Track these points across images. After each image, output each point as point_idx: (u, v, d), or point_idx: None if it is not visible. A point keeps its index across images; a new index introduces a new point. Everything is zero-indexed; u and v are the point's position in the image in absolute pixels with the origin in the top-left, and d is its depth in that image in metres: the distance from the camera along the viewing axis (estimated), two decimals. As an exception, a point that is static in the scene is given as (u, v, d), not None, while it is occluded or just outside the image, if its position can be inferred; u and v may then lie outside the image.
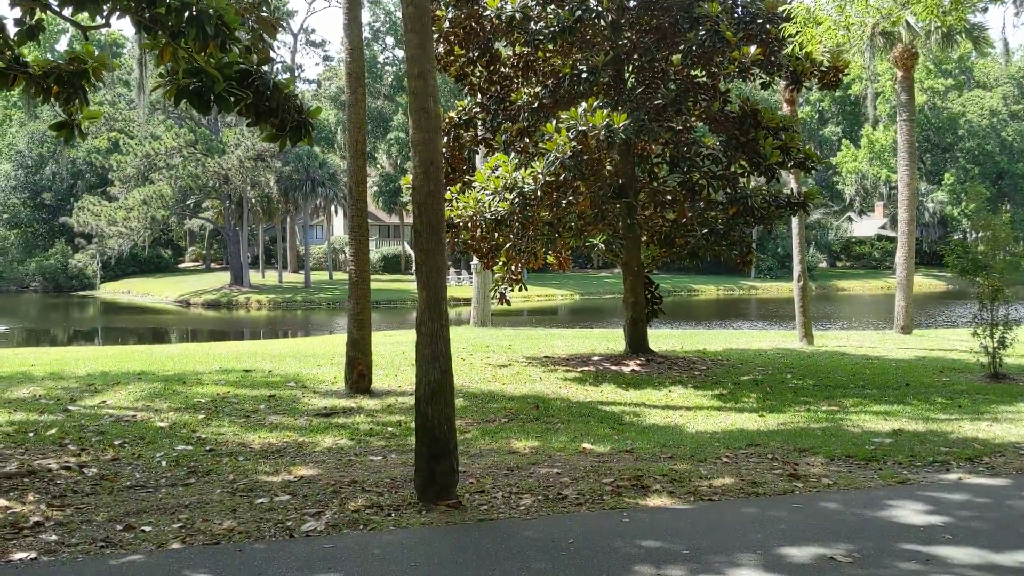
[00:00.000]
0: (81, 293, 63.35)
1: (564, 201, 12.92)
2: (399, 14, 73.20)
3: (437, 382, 6.41)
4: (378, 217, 73.38)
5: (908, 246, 21.24)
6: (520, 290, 14.94)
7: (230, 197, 54.54)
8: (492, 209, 12.54)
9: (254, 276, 59.47)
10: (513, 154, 13.35)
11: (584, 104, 12.16)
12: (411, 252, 71.14)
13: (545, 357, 15.57)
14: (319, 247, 70.70)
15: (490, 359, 15.21)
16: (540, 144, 12.84)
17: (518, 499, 6.45)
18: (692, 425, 9.91)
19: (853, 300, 57.60)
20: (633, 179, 14.51)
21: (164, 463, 7.89)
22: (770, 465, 7.54)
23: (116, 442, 8.76)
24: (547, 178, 12.39)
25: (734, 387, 12.29)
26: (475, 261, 24.63)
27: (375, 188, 66.67)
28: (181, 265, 75.59)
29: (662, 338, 19.41)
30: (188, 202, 58.33)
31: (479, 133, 15.16)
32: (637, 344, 14.78)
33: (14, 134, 73.76)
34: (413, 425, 9.73)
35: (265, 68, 7.33)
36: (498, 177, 12.91)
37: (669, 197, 14.38)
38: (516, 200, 12.39)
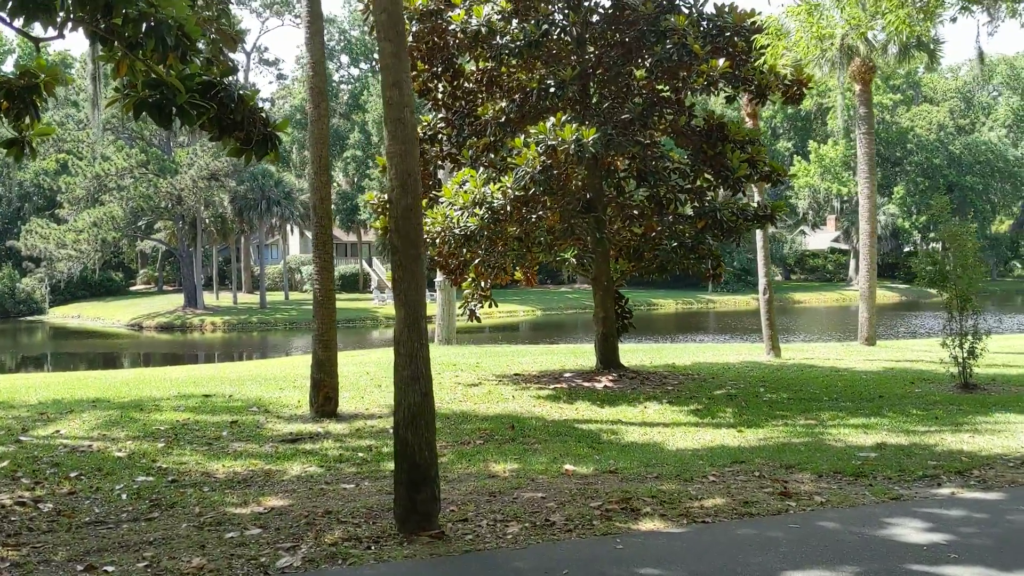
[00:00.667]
0: (29, 318, 61.73)
1: (534, 216, 12.70)
2: (354, 33, 72.99)
3: (417, 405, 6.10)
4: (336, 236, 72.68)
5: (870, 258, 21.35)
6: (489, 306, 14.67)
7: (183, 217, 53.59)
8: (461, 224, 12.26)
9: (208, 297, 58.46)
10: (481, 169, 13.10)
11: (552, 119, 11.96)
12: (369, 271, 70.56)
13: (515, 375, 15.29)
14: (274, 267, 69.78)
15: (459, 378, 14.89)
16: (509, 159, 12.62)
17: (504, 527, 6.16)
18: (672, 442, 9.69)
19: (810, 312, 58.13)
20: (601, 193, 14.35)
21: (124, 496, 7.46)
22: (759, 483, 7.33)
23: (72, 474, 8.30)
24: (516, 193, 12.16)
25: (709, 402, 12.12)
26: (439, 278, 24.36)
27: (332, 206, 66.07)
28: (133, 288, 74.11)
29: (630, 353, 19.23)
30: (140, 223, 57.24)
31: (444, 148, 14.91)
32: (608, 359, 14.57)
33: (-42, 156, 72.03)
34: (385, 450, 9.43)
35: (228, 80, 7.00)
36: (466, 192, 12.65)
37: (636, 211, 14.23)
38: (486, 215, 12.13)
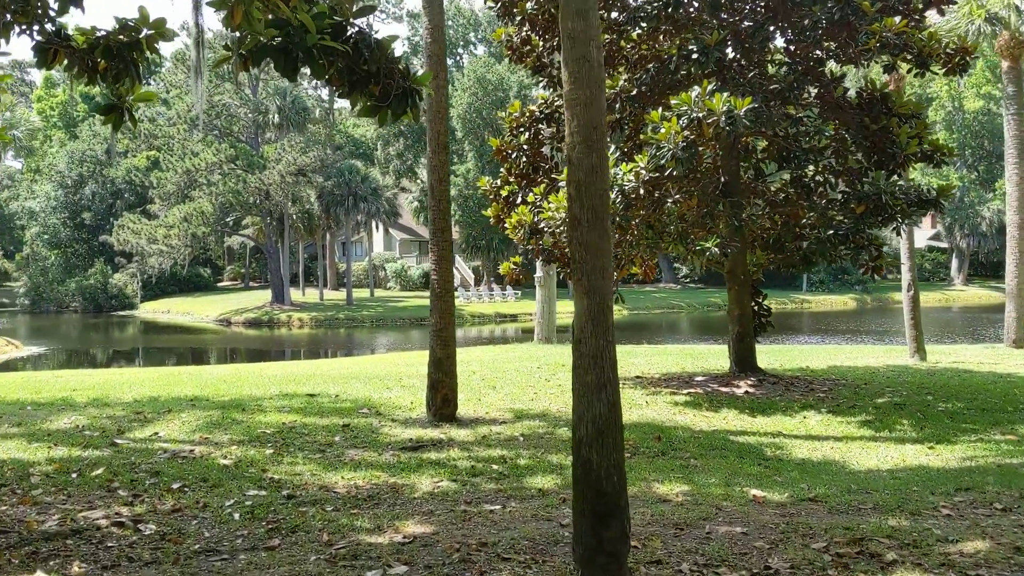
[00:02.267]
0: (121, 313, 62.61)
1: (669, 200, 11.34)
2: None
3: (604, 418, 4.84)
4: (419, 233, 72.21)
5: (1019, 251, 19.37)
6: (616, 302, 13.33)
7: (271, 213, 53.46)
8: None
9: (294, 294, 58.33)
10: (614, 147, 11.76)
11: (697, 88, 10.59)
12: (453, 268, 69.85)
13: (637, 377, 13.96)
14: (359, 264, 69.55)
15: (577, 380, 13.62)
16: (642, 136, 11.30)
17: (713, 574, 4.86)
18: (854, 460, 8.26)
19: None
20: (738, 176, 12.91)
21: (237, 515, 6.38)
22: (1013, 520, 5.87)
23: (175, 485, 7.29)
24: (650, 174, 10.83)
25: (876, 412, 10.60)
26: (539, 273, 23.14)
27: (416, 203, 65.48)
28: (220, 284, 74.82)
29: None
30: (228, 219, 57.43)
31: (563, 129, 13.64)
32: (744, 362, 13.12)
33: (54, 154, 73.65)
34: (521, 462, 8.22)
35: (362, 23, 5.84)
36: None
37: (782, 195, 12.75)
38: (618, 200, 10.82)
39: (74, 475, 7.70)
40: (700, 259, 11.36)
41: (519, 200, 13.39)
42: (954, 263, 75.29)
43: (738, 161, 12.98)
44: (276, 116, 52.51)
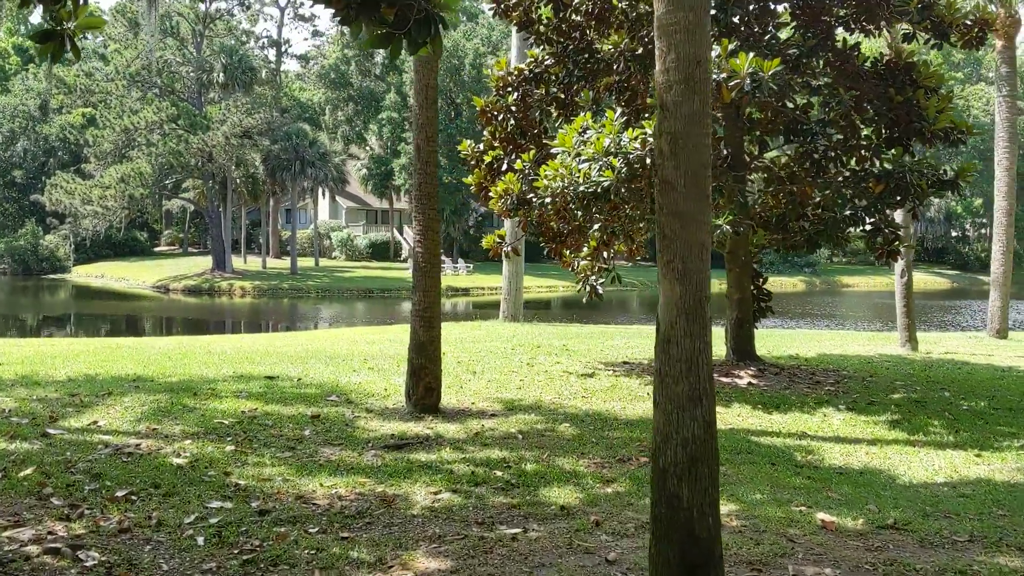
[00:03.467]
0: (52, 276, 59.89)
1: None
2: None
3: (698, 442, 3.76)
4: (366, 201, 70.39)
5: (1007, 238, 18.76)
6: (613, 281, 12.23)
7: (213, 176, 51.30)
8: (590, 179, 9.84)
9: (236, 261, 56.27)
10: (619, 112, 10.57)
11: (717, 48, 9.49)
12: (400, 239, 68.22)
13: (624, 363, 12.95)
14: (303, 232, 67.53)
15: (561, 365, 12.56)
16: (648, 100, 10.22)
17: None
18: (900, 470, 7.33)
19: (864, 297, 55.17)
20: (741, 148, 11.90)
21: (200, 540, 5.17)
22: None
23: (120, 492, 6.05)
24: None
25: (898, 411, 9.70)
26: (507, 247, 21.92)
27: (364, 171, 63.65)
28: (157, 249, 72.16)
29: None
30: (167, 182, 55.02)
31: (551, 91, 12.47)
32: (743, 350, 12.17)
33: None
34: (528, 468, 7.11)
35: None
36: (589, 141, 10.25)
37: (788, 172, 11.75)
38: (622, 169, 9.70)
39: (-4, 476, 6.41)
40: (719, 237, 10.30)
41: (504, 167, 12.20)
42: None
43: (742, 133, 11.96)
44: (221, 75, 50.27)
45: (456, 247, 64.02)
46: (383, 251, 66.49)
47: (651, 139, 9.75)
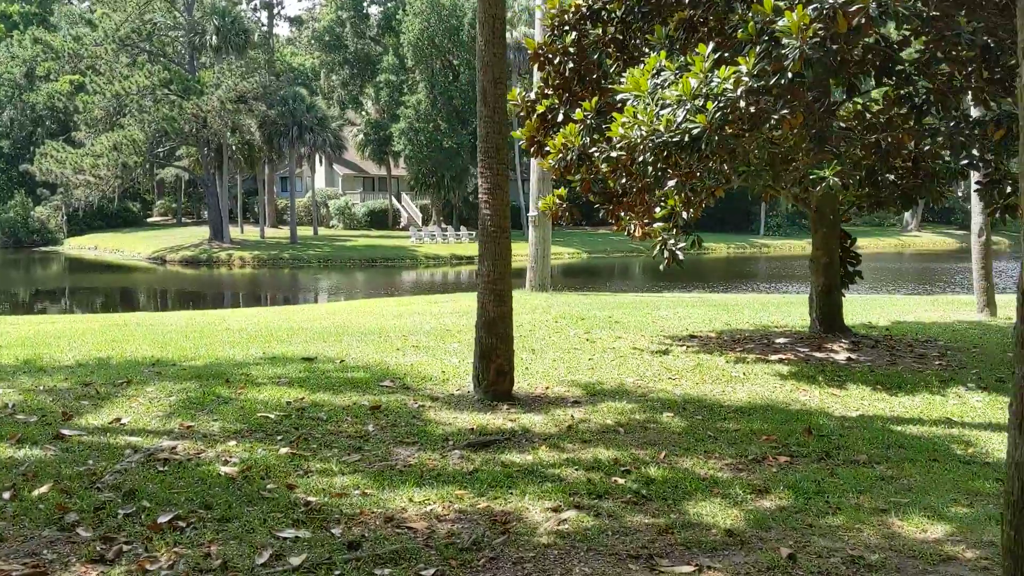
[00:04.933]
0: (43, 248, 58.33)
1: (774, 117, 8.89)
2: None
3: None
4: (363, 169, 68.85)
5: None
6: (693, 245, 10.90)
7: (208, 143, 49.62)
8: (677, 127, 8.50)
9: (233, 231, 54.74)
10: (711, 47, 9.19)
11: (827, -30, 8.12)
12: (399, 207, 66.68)
13: (691, 336, 11.71)
14: (300, 200, 65.94)
15: (624, 340, 11.31)
16: (738, 34, 8.89)
17: None
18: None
19: (878, 260, 53.95)
20: (828, 91, 10.58)
21: (285, 592, 3.91)
22: None
23: (163, 517, 4.80)
24: (754, 83, 8.42)
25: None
26: (532, 212, 20.64)
27: (360, 136, 62.01)
28: (149, 219, 70.56)
29: (785, 305, 15.63)
30: (160, 150, 53.31)
31: (608, 31, 11.09)
32: (831, 320, 10.94)
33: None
34: (652, 472, 5.86)
35: None
36: (669, 83, 8.91)
37: (882, 117, 10.42)
38: (716, 116, 8.36)
39: (6, 495, 5.14)
40: (810, 193, 9.01)
41: (560, 118, 10.86)
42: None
43: (828, 75, 10.60)
44: (214, 38, 48.41)
45: (456, 214, 62.63)
46: (381, 219, 65.03)
47: (746, 79, 8.45)
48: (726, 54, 9.41)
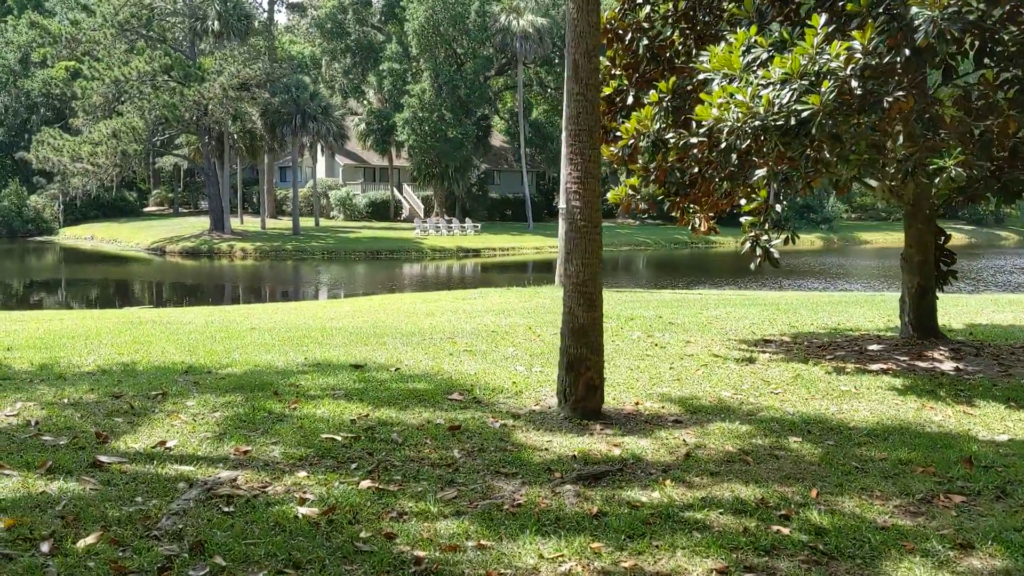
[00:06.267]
0: (39, 239, 57.13)
1: (888, 98, 7.91)
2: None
3: None
4: (364, 159, 67.69)
5: None
6: (787, 241, 9.86)
7: (209, 131, 48.45)
8: (780, 110, 7.52)
9: (233, 222, 53.61)
10: (824, 19, 8.22)
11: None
12: (400, 198, 65.58)
13: (765, 341, 10.75)
14: (300, 190, 64.75)
15: (695, 344, 10.35)
16: (848, 6, 7.94)
17: None
18: None
19: (888, 254, 53.09)
20: (925, 77, 9.60)
21: None
22: None
23: (245, 585, 3.80)
24: (870, 61, 7.46)
25: None
26: (562, 204, 19.60)
27: (362, 126, 60.87)
28: (146, 209, 69.32)
29: (841, 305, 14.69)
30: (156, 139, 52.07)
31: (681, 5, 10.10)
32: (926, 325, 9.96)
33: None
34: (811, 516, 4.91)
35: None
36: (764, 61, 7.95)
37: (992, 100, 9.44)
38: (830, 96, 7.39)
39: (44, 547, 4.15)
40: (930, 182, 8.03)
41: (630, 100, 9.88)
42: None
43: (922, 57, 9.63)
44: (215, 23, 47.19)
45: (459, 205, 61.60)
46: (383, 210, 63.96)
47: (859, 55, 7.49)
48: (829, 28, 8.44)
